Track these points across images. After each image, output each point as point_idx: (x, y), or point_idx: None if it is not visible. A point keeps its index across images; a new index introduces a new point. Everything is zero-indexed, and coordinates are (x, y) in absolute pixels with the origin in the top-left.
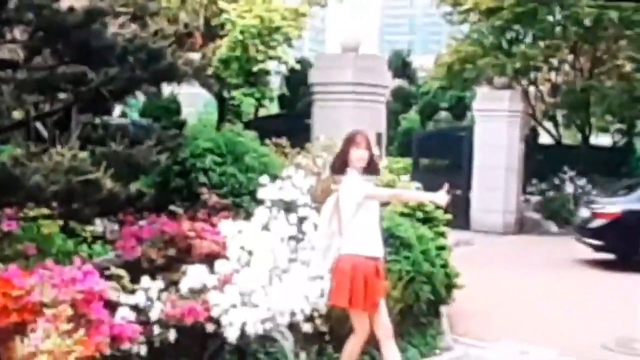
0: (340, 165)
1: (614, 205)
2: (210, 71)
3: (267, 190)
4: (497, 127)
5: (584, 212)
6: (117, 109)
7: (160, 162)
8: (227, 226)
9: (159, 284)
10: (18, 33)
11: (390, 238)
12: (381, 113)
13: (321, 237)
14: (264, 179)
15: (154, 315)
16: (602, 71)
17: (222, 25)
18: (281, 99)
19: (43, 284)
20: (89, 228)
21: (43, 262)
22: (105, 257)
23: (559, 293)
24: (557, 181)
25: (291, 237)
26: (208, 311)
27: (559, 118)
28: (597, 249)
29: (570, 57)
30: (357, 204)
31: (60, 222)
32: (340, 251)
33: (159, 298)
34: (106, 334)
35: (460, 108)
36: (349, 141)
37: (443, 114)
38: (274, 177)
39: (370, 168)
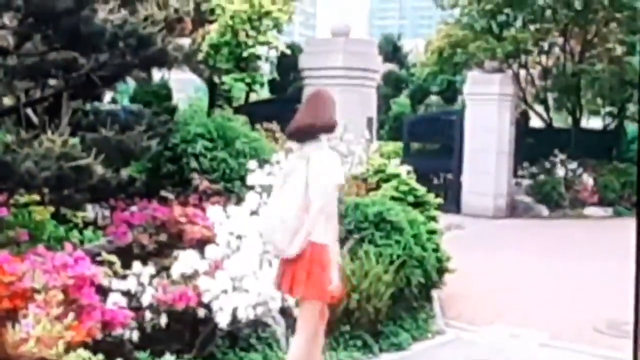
0: (307, 131)
1: None
2: (200, 57)
3: (256, 176)
4: (487, 111)
5: None
6: (108, 95)
7: (151, 147)
8: (215, 212)
9: (150, 269)
10: (8, 19)
11: (382, 222)
12: (372, 97)
13: (292, 217)
14: (252, 164)
15: (145, 300)
16: (593, 54)
17: (212, 11)
18: (272, 84)
19: (34, 270)
20: (80, 214)
21: (34, 248)
22: (96, 243)
23: (550, 276)
24: (548, 164)
25: None
26: (199, 296)
27: (550, 101)
28: None
29: (561, 41)
30: (337, 186)
31: (52, 208)
32: (312, 238)
33: (150, 283)
34: (98, 320)
35: (451, 92)
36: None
37: (434, 98)
38: (265, 162)
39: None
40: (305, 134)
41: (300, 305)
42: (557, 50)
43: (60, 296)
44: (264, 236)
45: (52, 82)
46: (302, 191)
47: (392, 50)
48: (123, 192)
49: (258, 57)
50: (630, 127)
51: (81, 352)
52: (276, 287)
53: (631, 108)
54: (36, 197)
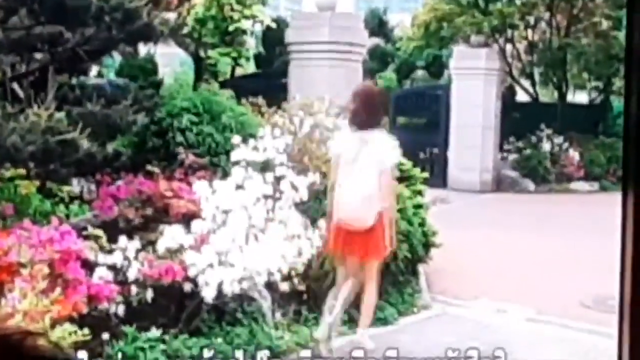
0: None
1: None
2: (186, 31)
3: (241, 151)
4: (474, 86)
5: None
6: (94, 69)
7: (137, 121)
8: (202, 186)
9: (136, 243)
10: None
11: None
12: (358, 72)
13: (373, 193)
14: (236, 139)
15: (131, 275)
16: (579, 29)
17: None
18: (257, 58)
19: (20, 244)
20: (66, 188)
21: (20, 222)
22: (82, 217)
23: (537, 251)
24: (534, 139)
25: (268, 197)
26: (185, 271)
27: (536, 76)
28: None
29: (547, 15)
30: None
31: (37, 183)
32: (382, 208)
33: (136, 258)
34: (83, 294)
35: (437, 66)
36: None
37: (420, 73)
38: (250, 137)
39: None
40: (365, 123)
41: (368, 265)
42: (543, 24)
43: (46, 270)
44: (343, 213)
45: (38, 56)
46: (374, 170)
47: (378, 25)
48: (109, 166)
49: (244, 32)
50: (616, 102)
51: (67, 326)
52: (340, 256)
53: (617, 83)
54: (22, 171)
